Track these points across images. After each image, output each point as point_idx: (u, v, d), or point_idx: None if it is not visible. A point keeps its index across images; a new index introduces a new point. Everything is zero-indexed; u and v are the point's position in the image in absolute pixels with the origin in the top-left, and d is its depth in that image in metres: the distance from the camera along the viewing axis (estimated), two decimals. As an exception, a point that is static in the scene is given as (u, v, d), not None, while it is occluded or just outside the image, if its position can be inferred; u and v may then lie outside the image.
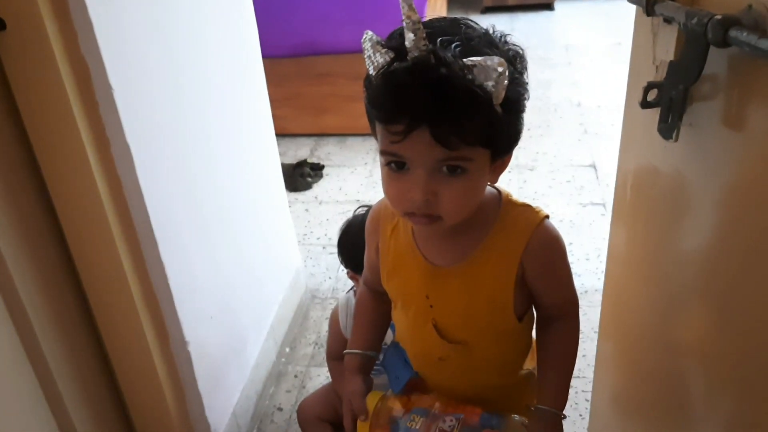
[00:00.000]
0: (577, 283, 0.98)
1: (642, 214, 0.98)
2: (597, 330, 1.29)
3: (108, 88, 1.00)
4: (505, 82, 0.69)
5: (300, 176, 2.72)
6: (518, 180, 2.61)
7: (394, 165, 0.75)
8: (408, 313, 0.94)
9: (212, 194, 1.39)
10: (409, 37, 0.68)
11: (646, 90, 0.79)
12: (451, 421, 0.88)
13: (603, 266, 1.33)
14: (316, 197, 2.64)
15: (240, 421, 1.51)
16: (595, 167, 2.67)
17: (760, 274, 0.66)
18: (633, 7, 0.83)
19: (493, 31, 0.77)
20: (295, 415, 1.63)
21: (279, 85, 3.07)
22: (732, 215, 0.72)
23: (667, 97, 0.77)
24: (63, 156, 1.03)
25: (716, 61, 0.71)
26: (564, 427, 0.92)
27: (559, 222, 2.35)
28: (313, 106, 3.13)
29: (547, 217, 0.88)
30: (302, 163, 2.80)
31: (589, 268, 2.08)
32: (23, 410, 1.07)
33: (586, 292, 1.96)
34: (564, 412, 0.92)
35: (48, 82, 0.97)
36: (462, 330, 0.90)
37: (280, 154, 2.98)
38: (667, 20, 0.77)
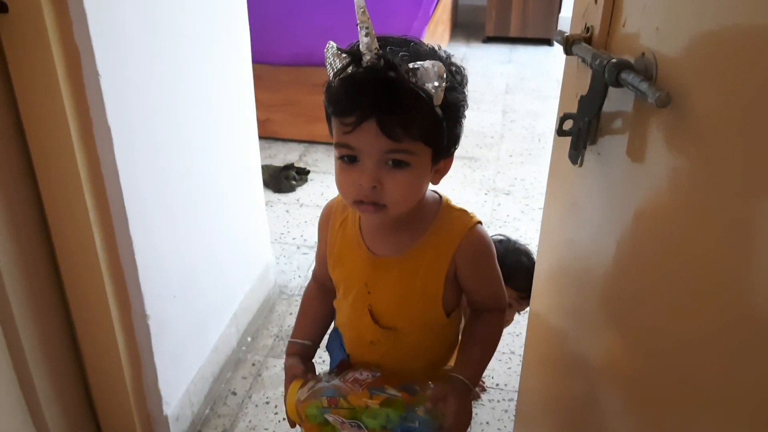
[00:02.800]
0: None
1: (560, 235, 1.08)
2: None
3: (95, 74, 1.11)
4: (444, 84, 0.80)
5: (285, 178, 2.83)
6: (493, 203, 2.72)
7: (347, 159, 0.86)
8: (348, 298, 1.04)
9: (187, 183, 1.48)
10: (364, 40, 0.80)
11: (562, 120, 0.89)
12: (368, 374, 0.96)
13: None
14: (297, 200, 2.75)
15: (193, 399, 1.60)
16: (568, 198, 2.77)
17: (656, 295, 0.73)
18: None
19: (439, 48, 0.89)
20: (246, 401, 1.73)
21: (276, 91, 3.18)
22: (631, 240, 0.80)
23: (576, 127, 0.88)
24: (49, 132, 1.13)
25: (623, 99, 0.81)
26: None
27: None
28: (307, 113, 3.24)
29: (480, 222, 0.99)
30: (289, 167, 2.91)
31: (546, 291, 2.17)
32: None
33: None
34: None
35: (41, 63, 1.07)
36: (394, 316, 1.00)
37: (271, 156, 3.11)
38: (583, 60, 0.87)
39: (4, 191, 1.13)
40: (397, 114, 0.80)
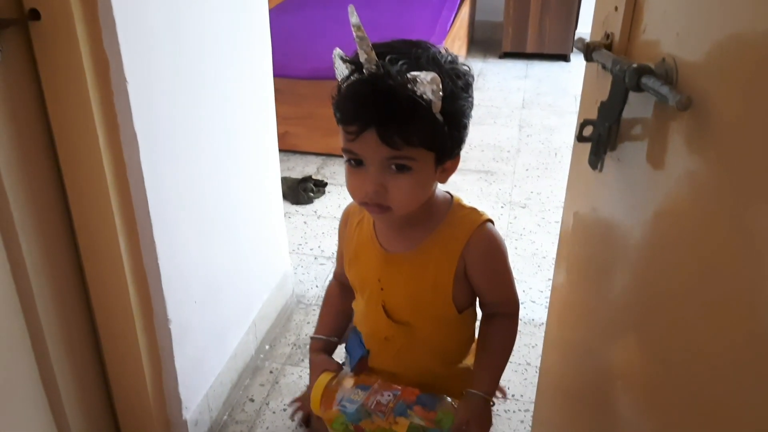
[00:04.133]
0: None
1: (579, 242, 1.08)
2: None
3: (123, 80, 1.14)
4: (440, 93, 0.82)
5: (303, 191, 2.85)
6: (509, 216, 2.72)
7: (353, 162, 0.89)
8: (363, 296, 1.06)
9: (209, 190, 1.51)
10: (362, 55, 0.82)
11: (582, 126, 0.90)
12: (389, 395, 0.98)
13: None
14: (315, 211, 2.77)
15: (212, 404, 1.61)
16: (585, 211, 2.77)
17: (674, 302, 0.73)
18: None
19: (445, 54, 0.90)
20: (264, 408, 1.73)
21: (296, 105, 3.22)
22: (649, 246, 0.81)
23: (597, 133, 0.89)
24: (77, 136, 1.15)
25: (643, 105, 0.82)
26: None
27: (542, 258, 2.44)
28: (325, 127, 3.27)
29: (490, 221, 1.00)
30: (307, 179, 2.93)
31: (564, 303, 2.17)
32: (11, 357, 1.19)
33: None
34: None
35: (71, 69, 1.10)
36: (406, 312, 1.03)
37: (289, 169, 3.14)
38: (604, 66, 0.89)
39: (33, 195, 1.15)
40: (395, 124, 0.82)
